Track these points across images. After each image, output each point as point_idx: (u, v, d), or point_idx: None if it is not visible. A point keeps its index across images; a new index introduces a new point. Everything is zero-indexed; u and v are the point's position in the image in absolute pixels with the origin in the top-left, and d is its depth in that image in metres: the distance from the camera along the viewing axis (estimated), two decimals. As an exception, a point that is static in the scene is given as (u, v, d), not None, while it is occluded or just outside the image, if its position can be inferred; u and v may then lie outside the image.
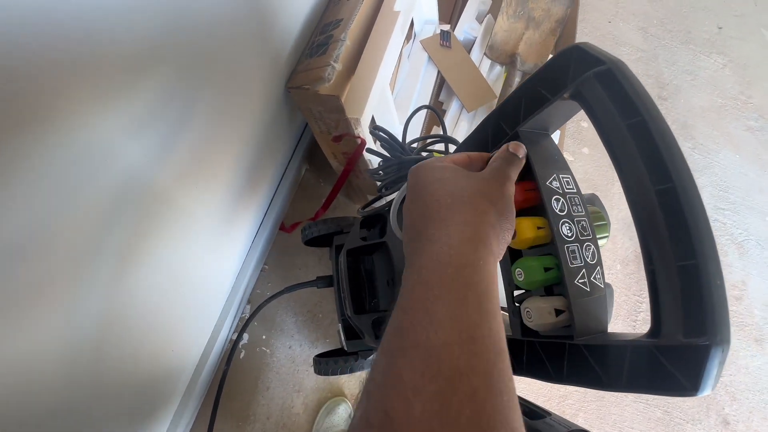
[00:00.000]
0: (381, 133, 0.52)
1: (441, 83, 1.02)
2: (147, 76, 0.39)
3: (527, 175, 0.31)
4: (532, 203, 0.31)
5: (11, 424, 0.35)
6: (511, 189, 0.28)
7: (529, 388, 1.00)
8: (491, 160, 0.30)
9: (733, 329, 1.01)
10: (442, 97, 1.03)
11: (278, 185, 0.91)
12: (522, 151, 0.30)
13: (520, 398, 0.46)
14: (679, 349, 0.21)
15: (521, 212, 0.31)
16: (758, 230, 1.21)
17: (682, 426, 1.03)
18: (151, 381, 0.64)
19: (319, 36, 0.70)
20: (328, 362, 0.77)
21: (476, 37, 1.07)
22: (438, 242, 0.23)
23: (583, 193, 0.38)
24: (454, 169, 0.28)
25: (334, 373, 0.77)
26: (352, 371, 0.77)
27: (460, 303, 0.20)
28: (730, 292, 1.14)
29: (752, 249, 1.20)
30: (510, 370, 0.20)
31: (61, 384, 0.41)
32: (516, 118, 0.32)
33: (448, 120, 0.97)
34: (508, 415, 0.18)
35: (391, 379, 0.19)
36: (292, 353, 0.95)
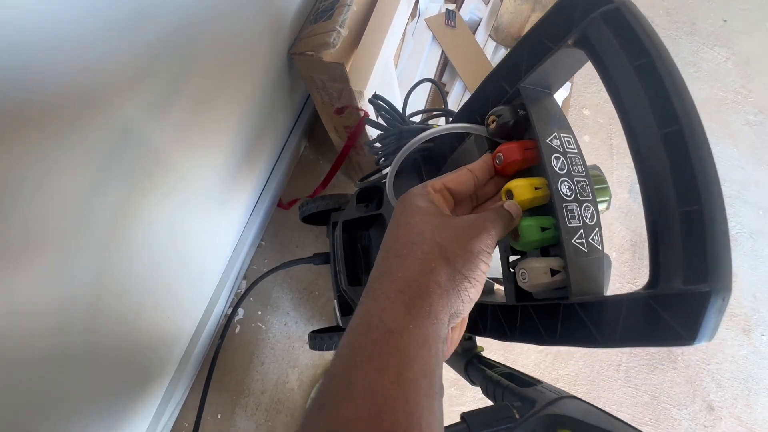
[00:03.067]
0: (380, 102, 0.51)
1: (444, 63, 1.02)
2: (142, 27, 0.38)
3: (527, 133, 0.30)
4: (531, 163, 0.30)
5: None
6: (486, 243, 0.26)
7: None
8: (486, 211, 0.28)
9: (722, 319, 1.02)
10: (445, 78, 1.02)
11: (277, 159, 0.91)
12: (516, 210, 0.29)
13: (509, 368, 0.46)
14: (678, 296, 0.20)
15: (519, 173, 0.31)
16: (751, 223, 1.23)
17: (668, 410, 1.05)
18: (146, 347, 0.64)
19: (324, 1, 0.68)
20: (323, 338, 0.77)
21: (482, 18, 1.05)
22: (375, 301, 0.23)
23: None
24: (431, 214, 0.27)
25: (329, 349, 0.78)
26: (346, 346, 0.78)
27: (378, 372, 0.20)
28: (721, 283, 1.16)
29: (744, 242, 1.21)
30: None
31: (54, 338, 0.41)
32: (517, 74, 0.30)
33: (450, 100, 0.96)
34: None
35: None
36: (288, 330, 0.95)
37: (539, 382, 0.38)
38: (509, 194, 0.30)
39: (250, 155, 0.74)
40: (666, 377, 1.08)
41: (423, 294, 0.23)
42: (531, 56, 0.29)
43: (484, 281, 0.26)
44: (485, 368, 0.47)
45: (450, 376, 0.71)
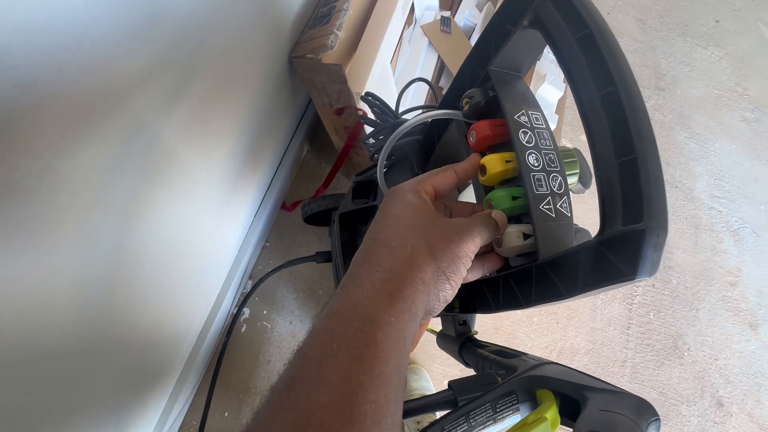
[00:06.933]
0: (371, 99, 0.55)
1: (441, 68, 1.05)
2: (152, 30, 0.42)
3: (498, 112, 0.32)
4: (502, 139, 0.32)
5: (20, 355, 0.38)
6: (469, 248, 0.27)
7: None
8: (474, 215, 0.30)
9: (728, 314, 1.03)
10: (442, 82, 1.06)
11: (280, 162, 0.94)
12: (501, 220, 0.30)
13: (499, 346, 0.48)
14: (618, 237, 0.22)
15: (491, 148, 0.34)
16: (753, 218, 1.23)
17: (677, 407, 1.04)
18: (156, 340, 0.66)
19: (322, 8, 0.72)
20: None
21: (476, 24, 1.09)
22: (359, 287, 0.23)
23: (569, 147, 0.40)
24: (422, 210, 0.27)
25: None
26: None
27: (353, 362, 0.20)
28: (725, 279, 1.16)
29: (747, 237, 1.21)
30: None
31: (72, 322, 0.44)
32: (486, 58, 0.33)
33: (445, 103, 0.99)
34: None
35: None
36: (293, 328, 0.97)
37: (524, 353, 0.40)
38: (483, 170, 0.32)
39: (253, 155, 0.77)
40: (673, 373, 1.07)
41: (407, 288, 0.23)
42: (497, 40, 0.32)
43: (460, 284, 0.27)
44: (477, 348, 0.49)
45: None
